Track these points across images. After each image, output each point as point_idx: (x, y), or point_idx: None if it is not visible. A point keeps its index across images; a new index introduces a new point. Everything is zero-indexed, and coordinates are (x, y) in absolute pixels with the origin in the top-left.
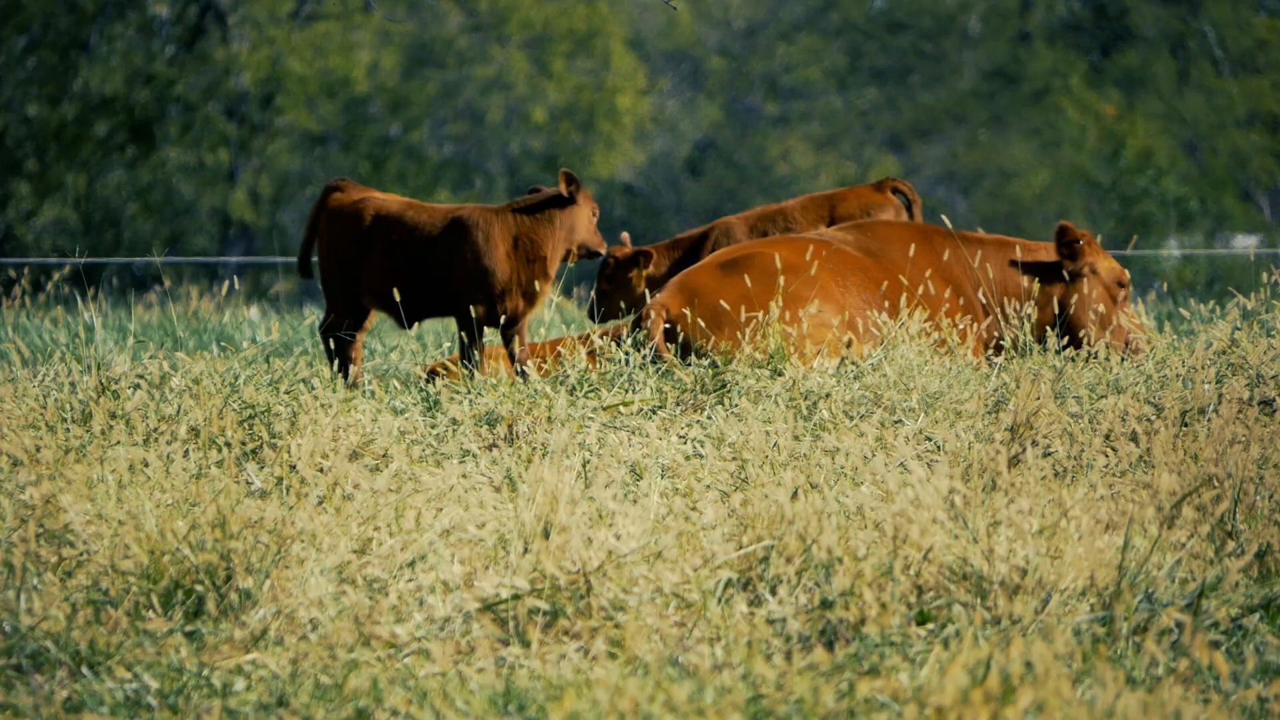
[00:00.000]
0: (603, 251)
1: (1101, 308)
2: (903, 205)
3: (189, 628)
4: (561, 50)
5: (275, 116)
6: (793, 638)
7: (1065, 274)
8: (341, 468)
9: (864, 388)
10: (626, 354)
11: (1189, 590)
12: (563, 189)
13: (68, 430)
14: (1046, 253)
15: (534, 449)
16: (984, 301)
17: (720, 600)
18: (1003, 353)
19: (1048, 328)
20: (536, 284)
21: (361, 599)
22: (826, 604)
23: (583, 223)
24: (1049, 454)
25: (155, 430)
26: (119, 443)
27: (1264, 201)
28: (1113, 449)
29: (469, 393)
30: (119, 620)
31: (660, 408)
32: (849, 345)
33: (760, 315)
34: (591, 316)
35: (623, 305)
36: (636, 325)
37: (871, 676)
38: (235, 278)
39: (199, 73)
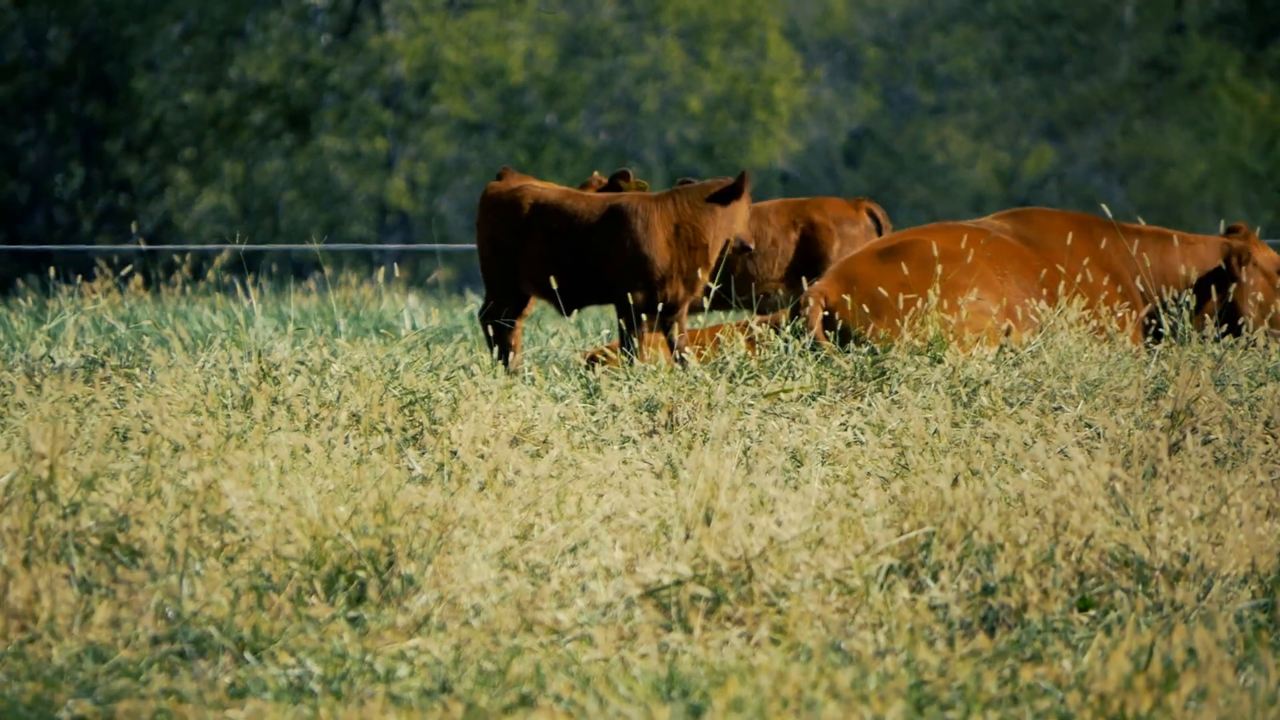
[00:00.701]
0: (752, 247)
1: (1261, 296)
2: (873, 227)
3: (352, 613)
4: (717, 39)
5: (431, 105)
6: (954, 624)
7: (1224, 264)
8: (502, 453)
9: (1023, 375)
10: (786, 341)
11: None
12: (744, 186)
13: (229, 416)
14: (1205, 245)
15: (694, 435)
16: (1142, 290)
17: (882, 586)
18: (1162, 340)
19: (1206, 316)
20: (697, 271)
21: (524, 584)
22: (988, 590)
23: (741, 216)
24: (1209, 441)
25: (316, 416)
26: (280, 428)
27: None
28: (1273, 435)
29: (629, 379)
30: (282, 606)
31: (820, 394)
32: (1008, 333)
33: (919, 302)
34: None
35: None
36: (795, 313)
37: (1034, 663)
38: (394, 265)
39: (355, 61)
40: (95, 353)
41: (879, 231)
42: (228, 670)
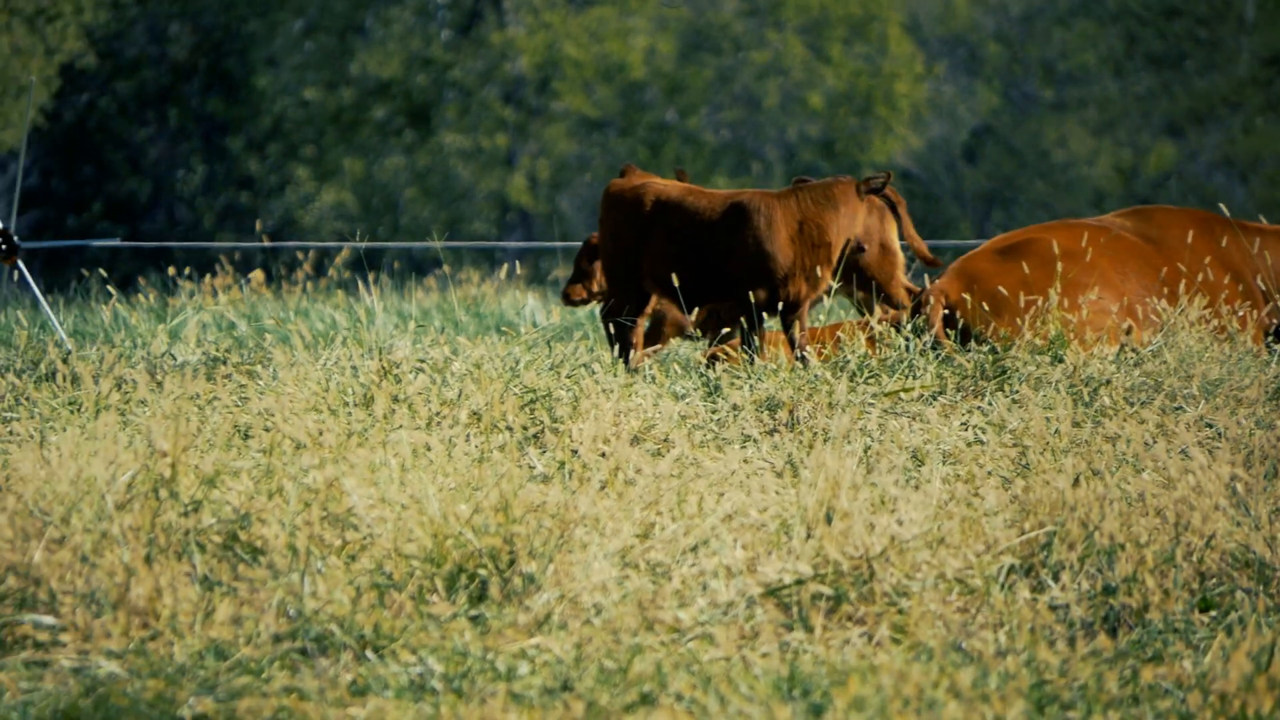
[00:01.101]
0: (868, 249)
1: None
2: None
3: (473, 612)
4: (838, 35)
5: (552, 101)
6: (1075, 624)
7: None
8: (623, 452)
9: (1144, 374)
10: (906, 340)
11: None
12: (863, 186)
13: (350, 414)
14: None
15: (815, 434)
16: (1263, 289)
17: (1003, 586)
18: None
19: None
20: (819, 269)
21: (645, 583)
22: (1109, 590)
23: (860, 216)
24: None
25: (437, 414)
26: (401, 426)
27: None
28: None
29: (749, 378)
30: (403, 604)
31: (940, 393)
32: (1128, 332)
33: (1040, 301)
34: (565, 298)
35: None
36: (916, 311)
37: (1154, 663)
38: (515, 262)
39: (476, 57)
40: (217, 350)
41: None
42: (349, 668)
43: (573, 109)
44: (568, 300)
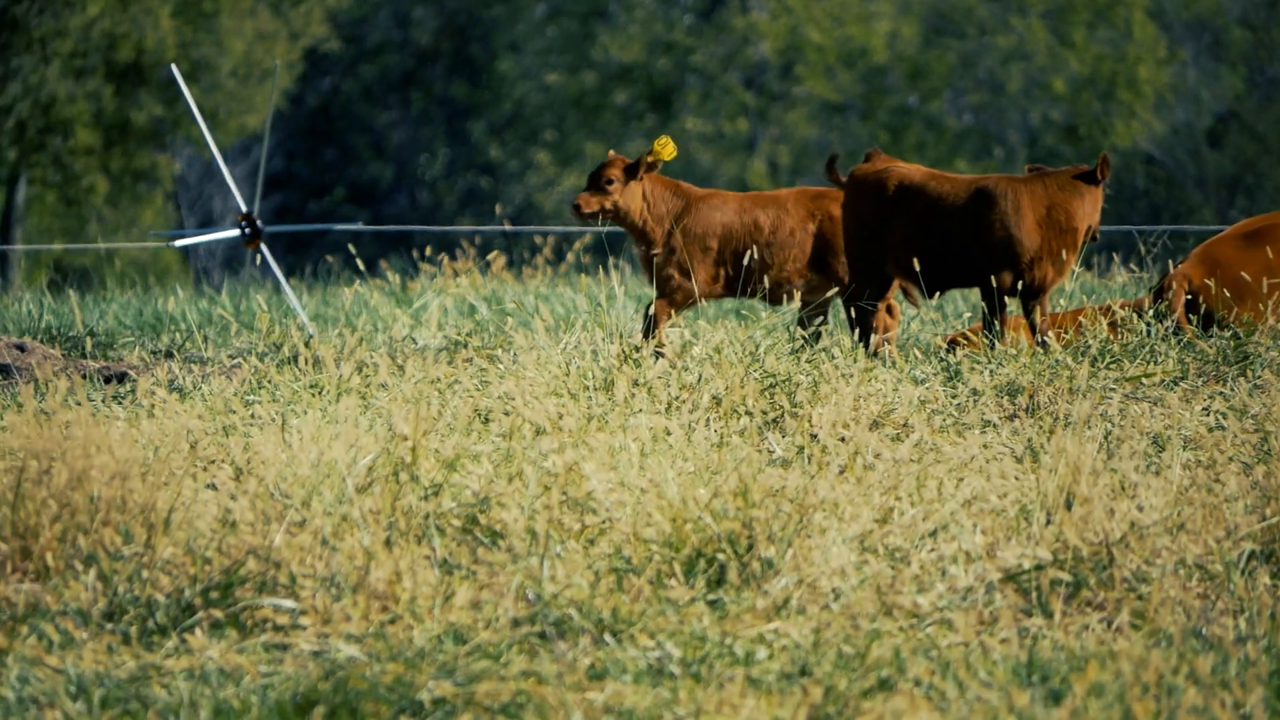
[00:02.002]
0: (1098, 236)
1: None
2: None
3: (710, 596)
4: (1081, 19)
5: (793, 86)
6: None
7: None
8: (863, 437)
9: None
10: (1148, 325)
11: None
12: (1102, 174)
13: (590, 398)
14: None
15: (1055, 419)
16: None
17: (1243, 572)
18: None
19: None
20: (1065, 254)
21: (883, 568)
22: None
23: (1099, 203)
24: None
25: (676, 399)
26: (641, 411)
27: None
28: None
29: (990, 363)
30: (641, 588)
31: (1182, 379)
32: None
33: None
34: (575, 209)
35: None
36: (1158, 296)
37: None
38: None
39: (718, 41)
40: (458, 334)
41: None
42: (587, 652)
43: (814, 93)
44: (577, 211)
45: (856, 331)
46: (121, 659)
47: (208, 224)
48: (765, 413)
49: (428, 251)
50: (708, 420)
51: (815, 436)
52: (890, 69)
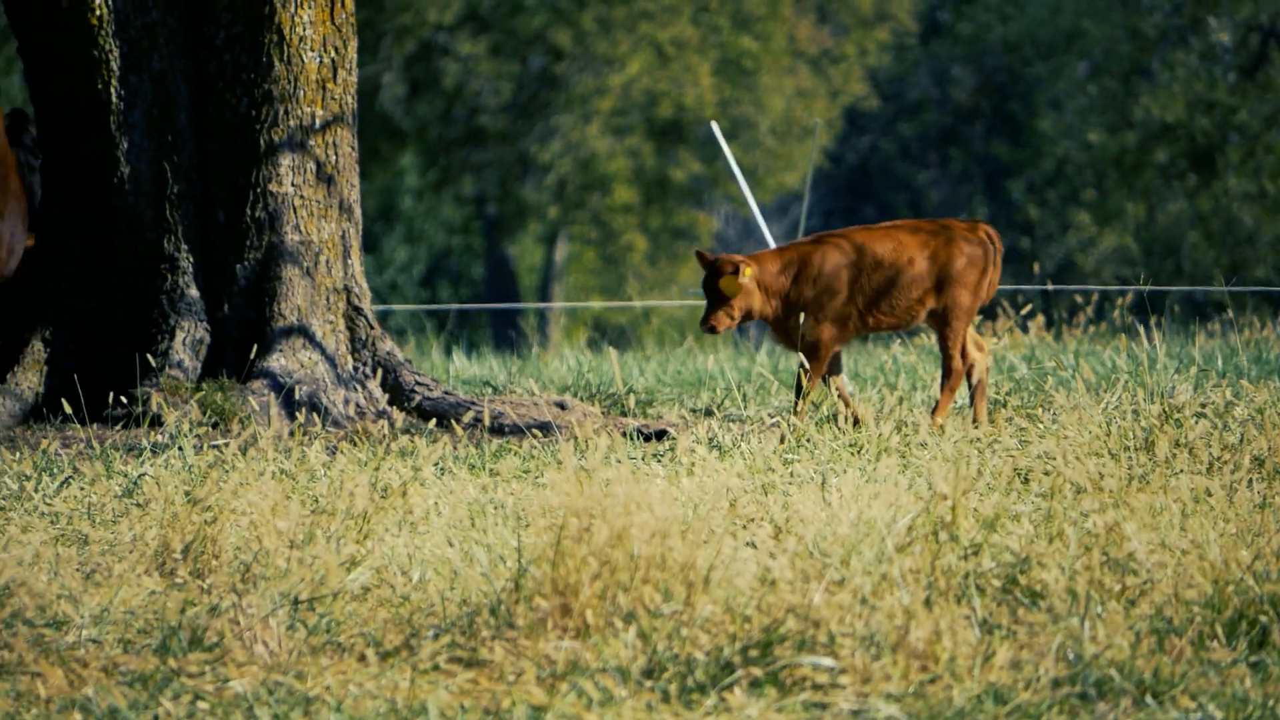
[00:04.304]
0: None
1: None
2: (991, 249)
3: (1253, 658)
4: None
5: None
6: None
7: None
8: None
9: None
10: None
11: None
12: None
13: (1130, 458)
14: None
15: None
16: None
17: None
18: None
19: None
20: None
21: None
22: None
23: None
24: None
25: (1217, 459)
26: (1181, 471)
27: None
28: None
29: None
30: (1182, 649)
31: None
32: None
33: None
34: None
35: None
36: None
37: None
38: None
39: (1260, 100)
40: (997, 393)
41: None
42: (1128, 713)
43: None
44: (712, 330)
45: None
46: (661, 717)
47: None
48: None
49: None
50: (1249, 481)
51: None
52: None
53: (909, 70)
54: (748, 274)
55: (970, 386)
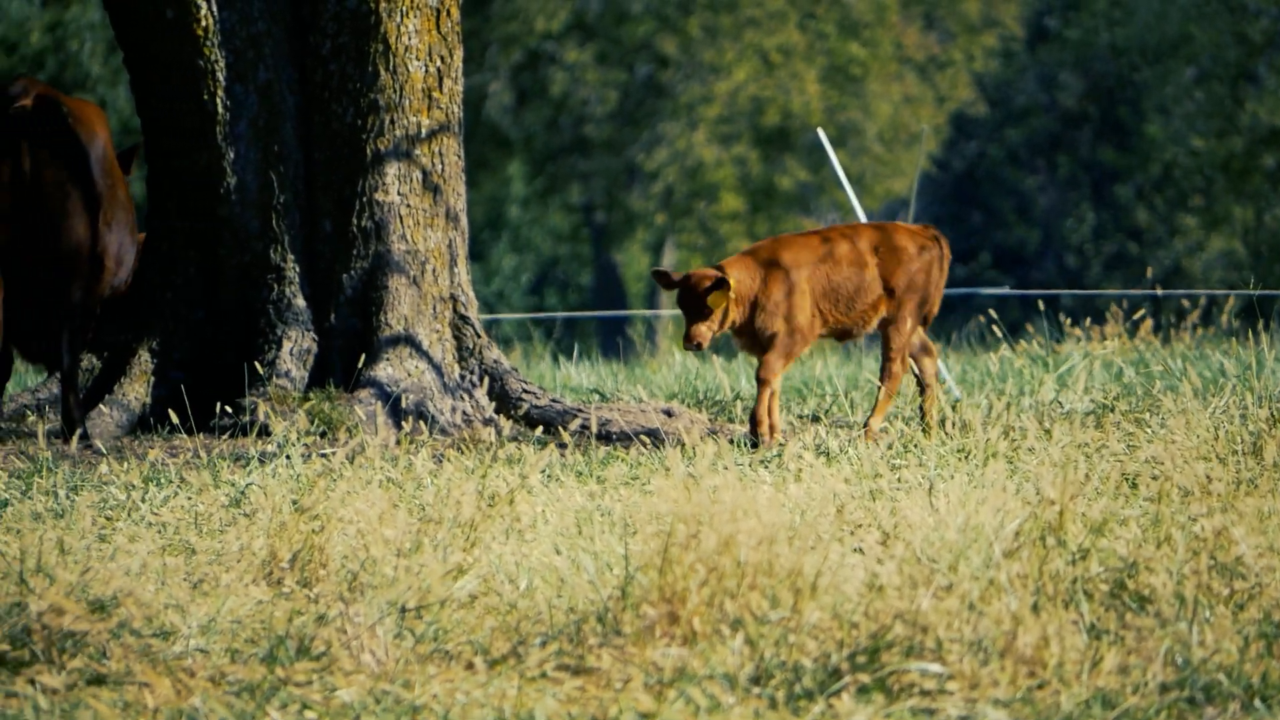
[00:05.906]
0: None
1: None
2: (942, 254)
3: None
4: None
5: None
6: None
7: None
8: None
9: None
10: None
11: None
12: None
13: (1239, 462)
14: None
15: None
16: None
17: None
18: None
19: None
20: None
21: None
22: None
23: None
24: None
25: None
26: None
27: None
28: None
29: None
30: None
31: None
32: None
33: None
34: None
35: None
36: None
37: None
38: None
39: None
40: (1104, 397)
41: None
42: (1236, 718)
43: None
44: (698, 347)
45: None
46: None
47: None
48: None
49: (1075, 318)
50: None
51: None
52: None
53: (1016, 76)
54: (734, 283)
55: (920, 390)
